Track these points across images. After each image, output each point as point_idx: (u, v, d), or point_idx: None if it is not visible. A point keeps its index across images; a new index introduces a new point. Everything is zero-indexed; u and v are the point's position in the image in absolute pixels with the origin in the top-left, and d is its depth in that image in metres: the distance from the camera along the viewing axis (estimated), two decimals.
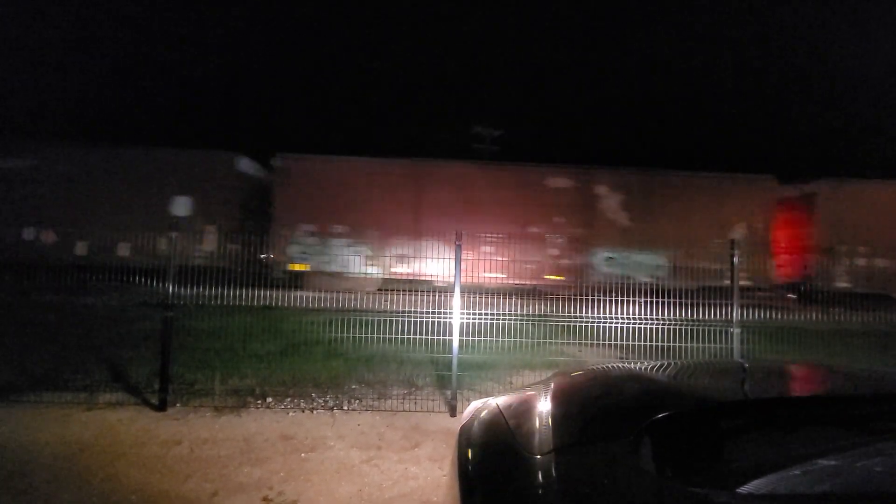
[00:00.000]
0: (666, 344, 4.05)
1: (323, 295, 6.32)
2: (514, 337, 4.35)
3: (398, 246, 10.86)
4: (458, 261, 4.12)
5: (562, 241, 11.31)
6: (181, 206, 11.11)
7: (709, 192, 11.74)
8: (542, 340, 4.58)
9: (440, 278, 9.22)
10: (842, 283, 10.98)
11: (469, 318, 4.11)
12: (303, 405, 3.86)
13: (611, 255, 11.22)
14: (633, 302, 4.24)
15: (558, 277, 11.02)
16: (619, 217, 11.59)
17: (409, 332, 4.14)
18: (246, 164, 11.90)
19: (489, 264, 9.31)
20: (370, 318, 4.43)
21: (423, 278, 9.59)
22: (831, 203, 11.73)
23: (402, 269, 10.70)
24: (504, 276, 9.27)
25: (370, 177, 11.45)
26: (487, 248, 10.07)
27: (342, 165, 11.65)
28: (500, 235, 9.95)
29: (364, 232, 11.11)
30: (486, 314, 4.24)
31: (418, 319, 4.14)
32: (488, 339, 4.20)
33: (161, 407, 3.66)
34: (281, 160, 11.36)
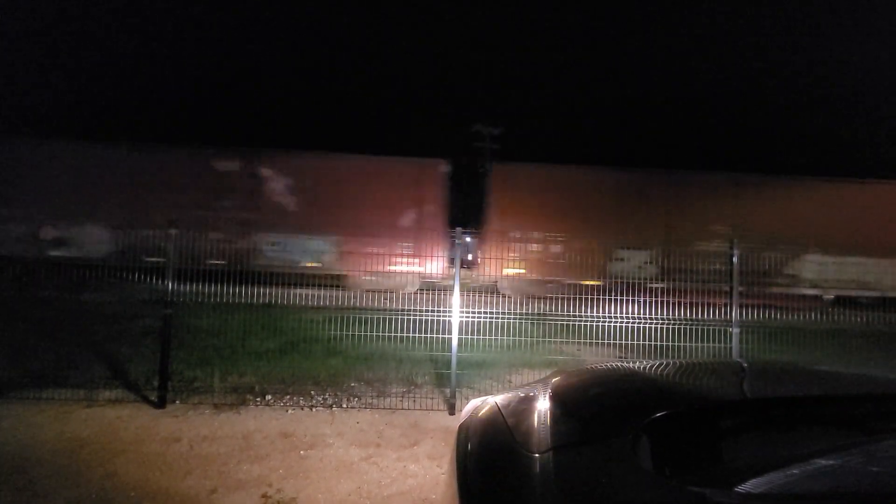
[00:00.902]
0: (665, 343, 4.05)
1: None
2: (513, 335, 4.36)
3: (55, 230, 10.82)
4: (457, 259, 4.13)
5: (226, 226, 11.03)
6: None
7: (379, 176, 11.34)
8: (540, 339, 4.58)
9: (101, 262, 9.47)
10: (516, 270, 10.59)
11: (468, 317, 4.11)
12: (302, 403, 3.87)
13: (275, 241, 11.02)
14: (632, 301, 4.24)
15: (221, 262, 10.99)
16: (286, 201, 11.31)
17: (407, 331, 4.14)
18: None
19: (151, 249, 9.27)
20: (369, 317, 4.43)
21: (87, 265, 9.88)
22: (502, 187, 11.39)
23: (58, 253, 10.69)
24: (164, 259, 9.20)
25: (46, 160, 11.12)
26: (148, 233, 10.10)
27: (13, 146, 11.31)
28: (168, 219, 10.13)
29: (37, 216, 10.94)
30: (485, 313, 4.24)
31: (417, 318, 4.14)
32: (487, 337, 4.20)
33: (160, 404, 3.68)
34: None
